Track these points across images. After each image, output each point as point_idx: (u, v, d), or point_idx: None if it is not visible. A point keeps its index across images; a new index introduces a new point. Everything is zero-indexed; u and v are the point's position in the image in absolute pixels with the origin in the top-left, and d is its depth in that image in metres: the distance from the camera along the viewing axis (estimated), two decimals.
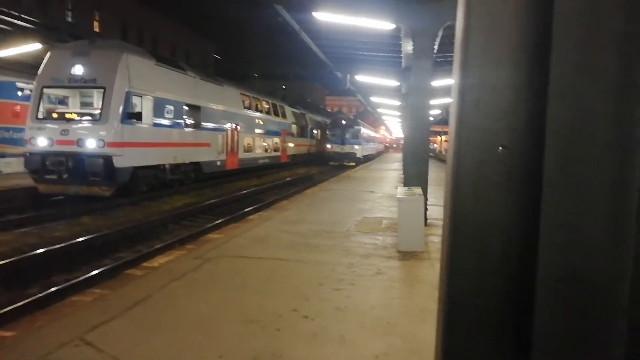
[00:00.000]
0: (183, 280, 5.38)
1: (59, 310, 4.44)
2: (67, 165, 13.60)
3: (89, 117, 14.25)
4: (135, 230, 10.42)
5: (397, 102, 22.67)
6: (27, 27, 15.07)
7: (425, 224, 8.14)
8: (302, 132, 37.09)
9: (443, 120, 43.05)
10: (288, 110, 33.53)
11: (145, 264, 6.20)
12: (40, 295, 6.18)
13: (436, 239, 7.65)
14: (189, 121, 18.17)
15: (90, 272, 7.28)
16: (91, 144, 13.55)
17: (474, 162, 0.98)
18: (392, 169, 29.06)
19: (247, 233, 8.10)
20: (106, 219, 11.85)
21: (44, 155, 13.70)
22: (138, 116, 14.52)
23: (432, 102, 11.77)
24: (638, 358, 0.93)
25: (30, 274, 7.23)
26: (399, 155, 46.06)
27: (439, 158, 47.69)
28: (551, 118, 0.91)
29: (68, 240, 9.06)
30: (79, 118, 14.25)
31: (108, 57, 14.26)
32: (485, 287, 0.98)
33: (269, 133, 28.40)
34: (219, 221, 11.61)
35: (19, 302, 5.88)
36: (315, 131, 41.15)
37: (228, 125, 21.86)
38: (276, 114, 30.35)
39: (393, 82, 16.87)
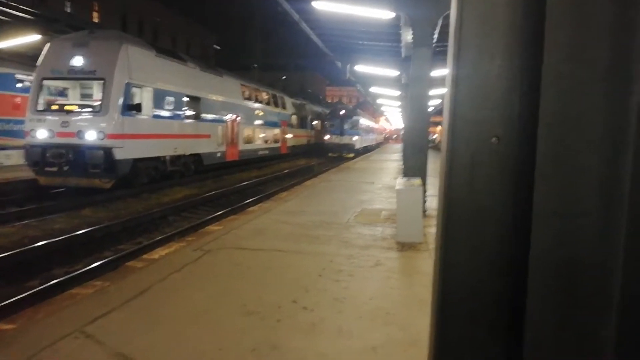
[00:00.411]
0: (183, 272, 5.40)
1: (60, 303, 4.46)
2: (68, 157, 13.61)
3: (89, 109, 14.22)
4: (136, 222, 10.45)
5: (397, 92, 22.59)
6: (26, 18, 14.98)
7: (424, 215, 8.14)
8: (303, 123, 37.00)
9: (442, 111, 42.88)
10: (288, 101, 33.43)
11: (145, 256, 6.21)
12: (40, 287, 6.22)
13: (435, 230, 7.65)
14: (189, 112, 18.13)
15: (91, 264, 7.32)
16: (91, 136, 13.54)
17: (467, 153, 0.98)
18: (392, 159, 29.01)
19: (247, 225, 8.12)
20: (107, 211, 11.87)
21: (44, 148, 13.70)
22: (138, 107, 14.49)
23: (432, 92, 11.71)
24: (630, 348, 0.93)
25: (31, 266, 7.27)
26: (399, 146, 45.91)
27: (439, 148, 47.43)
28: (543, 108, 0.91)
29: (69, 232, 9.09)
30: (79, 110, 14.22)
31: (107, 48, 14.21)
32: (479, 278, 0.99)
33: (269, 124, 28.34)
34: (219, 213, 11.64)
35: (20, 294, 5.91)
36: (315, 122, 41.05)
37: (228, 117, 21.81)
38: (276, 105, 30.27)
39: (393, 72, 16.80)
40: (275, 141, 29.88)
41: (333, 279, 5.21)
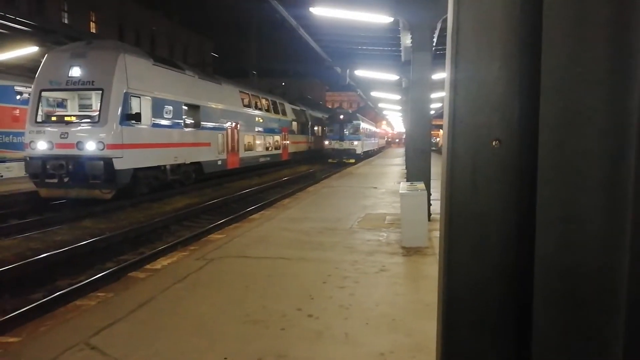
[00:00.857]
0: (186, 281, 5.36)
1: (64, 315, 4.43)
2: (68, 169, 13.59)
3: (87, 120, 14.23)
4: (137, 232, 10.41)
5: (397, 97, 22.62)
6: (23, 30, 15.03)
7: (429, 219, 8.10)
8: (303, 129, 37.02)
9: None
10: (288, 107, 33.48)
11: (148, 266, 6.18)
12: (44, 300, 6.18)
13: (438, 239, 7.62)
14: (188, 121, 18.14)
15: (94, 275, 7.28)
16: (91, 147, 13.53)
17: (468, 157, 0.98)
18: (395, 164, 29.02)
19: (249, 232, 8.08)
20: (108, 221, 11.84)
21: (44, 159, 13.69)
22: (137, 117, 14.49)
23: (433, 95, 11.72)
24: (637, 352, 0.92)
25: (34, 279, 7.23)
26: (401, 150, 45.93)
27: (441, 152, 47.54)
28: (544, 111, 0.91)
29: (70, 244, 9.05)
30: (77, 120, 14.22)
31: (105, 58, 14.23)
32: (483, 281, 0.98)
33: (269, 131, 28.36)
34: (221, 221, 11.60)
35: (24, 307, 5.88)
36: (316, 128, 41.07)
37: (228, 124, 21.82)
38: (276, 112, 30.30)
39: (393, 76, 16.83)
40: (276, 148, 29.89)
41: (338, 286, 5.16)
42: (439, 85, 13.67)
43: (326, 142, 36.41)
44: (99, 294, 5.03)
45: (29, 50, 15.49)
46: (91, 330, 3.97)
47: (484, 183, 0.97)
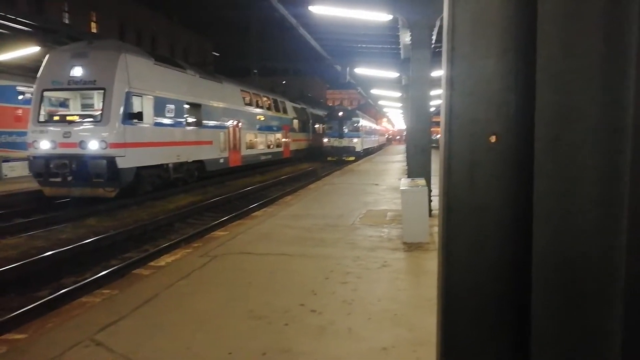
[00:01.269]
0: (190, 278, 5.41)
1: (69, 312, 4.48)
2: (71, 168, 13.65)
3: (90, 119, 14.28)
4: (141, 230, 10.47)
5: (397, 94, 22.60)
6: (24, 30, 15.04)
7: (430, 215, 8.13)
8: (304, 127, 37.00)
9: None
10: (289, 105, 33.48)
11: (152, 264, 6.23)
12: (49, 297, 6.24)
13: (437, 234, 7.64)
14: (190, 120, 18.18)
15: (98, 273, 7.34)
16: (93, 146, 13.59)
17: (465, 152, 0.99)
18: (396, 161, 29.00)
19: (252, 229, 8.13)
20: (112, 219, 11.90)
21: (48, 159, 13.75)
22: (139, 116, 14.54)
23: (433, 92, 11.72)
24: (635, 343, 0.93)
25: (40, 277, 7.29)
26: (402, 147, 45.74)
27: None
28: (540, 104, 0.91)
29: (75, 242, 9.11)
30: (80, 120, 14.27)
31: (106, 57, 14.27)
32: (482, 275, 0.99)
33: (270, 129, 28.38)
34: (224, 218, 11.66)
35: (30, 305, 5.94)
36: (317, 126, 41.03)
37: (229, 123, 21.85)
38: (277, 110, 30.32)
39: (393, 74, 16.82)
40: (278, 146, 29.91)
41: (340, 282, 5.21)
42: (439, 82, 13.65)
43: (325, 140, 35.52)
44: (103, 291, 5.09)
45: (30, 50, 15.51)
46: (97, 326, 4.02)
47: (482, 178, 0.97)
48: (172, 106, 16.60)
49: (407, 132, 18.41)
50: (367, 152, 38.86)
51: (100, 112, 14.01)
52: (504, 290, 0.98)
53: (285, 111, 32.08)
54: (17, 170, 18.14)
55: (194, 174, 18.56)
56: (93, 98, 15.35)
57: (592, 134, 0.90)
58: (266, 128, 27.52)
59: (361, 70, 16.95)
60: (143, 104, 15.00)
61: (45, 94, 14.53)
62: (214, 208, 13.90)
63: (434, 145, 9.76)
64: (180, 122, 17.29)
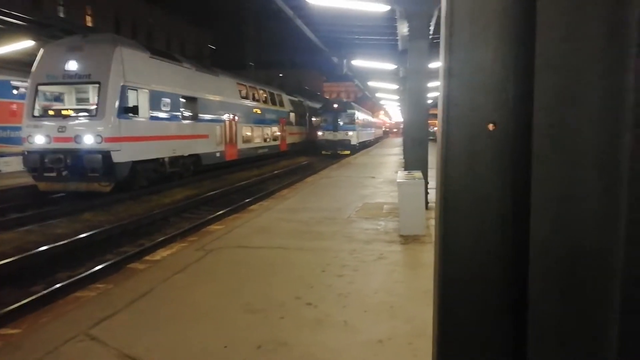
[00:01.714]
0: (185, 272, 5.39)
1: (64, 306, 4.45)
2: (66, 162, 13.58)
3: (85, 113, 14.19)
4: (137, 224, 10.44)
5: (395, 86, 22.56)
6: (19, 25, 14.92)
7: (427, 208, 8.13)
8: (301, 120, 36.90)
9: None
10: (286, 98, 33.38)
11: (147, 258, 6.20)
12: (44, 292, 6.21)
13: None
14: (186, 113, 18.09)
15: (94, 267, 7.31)
16: (89, 140, 13.51)
17: (464, 140, 0.97)
18: (393, 154, 29.00)
19: (248, 223, 8.10)
20: (107, 214, 11.86)
21: (42, 153, 13.67)
22: (134, 110, 14.44)
23: (430, 84, 11.68)
24: (633, 334, 0.92)
25: (35, 271, 7.26)
26: (399, 140, 45.71)
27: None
28: (538, 91, 0.90)
29: (70, 237, 9.07)
30: (75, 114, 14.17)
31: (102, 51, 14.16)
32: (480, 266, 0.98)
33: (267, 122, 28.30)
34: (220, 212, 11.63)
35: (24, 299, 5.91)
36: (314, 119, 40.94)
37: (226, 116, 21.77)
38: (274, 103, 30.22)
39: (390, 66, 16.77)
40: (274, 139, 29.84)
41: (337, 274, 5.19)
42: (436, 74, 13.62)
43: (319, 133, 33.90)
44: (98, 285, 5.06)
45: (25, 44, 15.39)
46: (91, 321, 3.99)
47: (480, 167, 0.96)
48: (167, 100, 16.51)
49: (404, 125, 18.40)
50: (363, 146, 37.91)
51: (95, 106, 13.92)
52: (503, 280, 0.97)
53: (282, 104, 31.98)
54: (12, 165, 18.06)
55: (190, 168, 18.51)
56: (88, 92, 15.24)
57: (591, 119, 0.88)
58: (263, 121, 27.44)
59: (358, 63, 16.89)
60: (138, 98, 14.91)
61: (40, 88, 14.43)
62: (210, 202, 13.87)
63: (430, 137, 9.76)
64: (176, 116, 17.21)
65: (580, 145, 0.88)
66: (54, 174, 13.72)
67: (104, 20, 38.01)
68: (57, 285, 6.42)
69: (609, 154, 0.88)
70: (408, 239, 6.68)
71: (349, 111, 33.98)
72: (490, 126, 0.95)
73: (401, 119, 42.21)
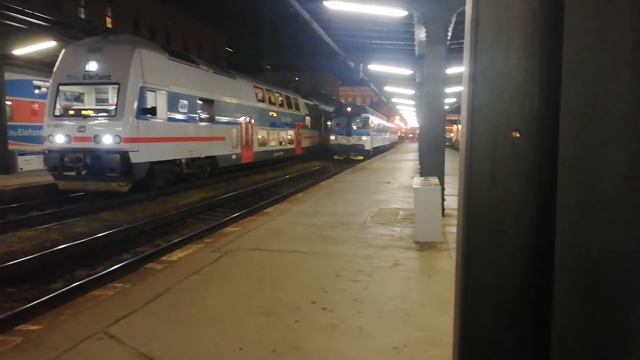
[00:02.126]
0: (201, 273, 5.43)
1: (82, 304, 4.52)
2: (85, 162, 13.79)
3: (104, 113, 14.41)
4: (154, 224, 10.55)
5: (411, 91, 22.48)
6: (41, 25, 15.22)
7: (443, 214, 8.07)
8: (316, 124, 36.93)
9: (459, 109, 42.00)
10: (301, 102, 33.46)
11: (164, 258, 6.27)
12: (63, 290, 6.31)
13: (454, 229, 7.57)
14: (203, 115, 18.26)
15: (111, 266, 7.41)
16: (107, 140, 13.71)
17: (487, 147, 0.97)
18: (408, 159, 28.88)
19: (263, 226, 8.14)
20: (125, 214, 12.01)
21: (62, 152, 13.90)
22: (153, 111, 14.63)
23: (447, 90, 11.63)
24: None
25: (54, 269, 7.38)
26: (415, 145, 45.41)
27: (455, 147, 46.30)
28: (565, 97, 0.89)
29: (89, 235, 9.21)
30: (94, 114, 14.41)
31: (121, 52, 14.37)
32: (502, 271, 0.98)
33: (283, 125, 28.41)
34: (235, 214, 11.70)
35: (44, 296, 6.01)
36: (329, 123, 40.95)
37: (242, 119, 21.91)
38: (290, 106, 30.33)
39: (407, 71, 16.72)
40: (290, 142, 29.93)
41: (352, 280, 5.19)
42: (454, 79, 13.54)
43: (332, 137, 32.88)
44: (116, 284, 5.13)
45: (46, 44, 15.68)
46: (109, 319, 4.05)
47: (503, 173, 0.96)
48: (185, 101, 16.68)
49: (421, 130, 18.31)
50: (378, 151, 36.98)
51: (114, 106, 14.13)
52: (524, 286, 0.97)
53: (297, 108, 32.07)
54: (33, 163, 18.40)
55: (206, 170, 18.65)
56: (108, 93, 15.48)
57: (618, 128, 0.87)
58: (278, 124, 27.55)
59: (375, 67, 16.86)
60: (157, 99, 15.10)
61: (61, 88, 14.69)
62: (225, 204, 13.96)
63: (447, 144, 9.68)
64: (193, 118, 17.37)
65: (606, 154, 0.88)
66: (73, 173, 13.95)
67: (124, 21, 38.58)
68: (76, 284, 6.52)
69: (636, 163, 0.87)
70: (424, 246, 6.65)
71: (363, 115, 33.06)
72: (515, 133, 0.95)
73: (417, 125, 41.94)
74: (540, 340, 0.95)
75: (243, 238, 7.20)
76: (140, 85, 14.21)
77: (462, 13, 8.88)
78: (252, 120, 23.11)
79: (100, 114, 14.41)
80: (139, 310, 4.30)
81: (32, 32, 15.35)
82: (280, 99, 28.77)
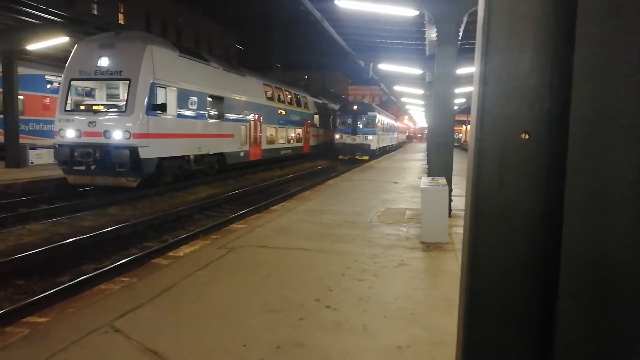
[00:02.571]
0: (208, 269, 5.46)
1: (89, 298, 4.56)
2: (95, 157, 13.91)
3: (114, 109, 14.52)
4: (161, 220, 10.62)
5: (420, 91, 22.39)
6: (54, 21, 15.37)
7: (450, 215, 8.04)
8: (325, 122, 36.91)
9: (468, 109, 41.72)
10: (310, 100, 33.45)
11: (171, 254, 6.30)
12: (71, 283, 6.37)
13: (461, 230, 7.56)
14: (212, 112, 18.32)
15: (118, 261, 7.47)
16: (117, 135, 13.81)
17: (496, 149, 0.98)
18: (416, 159, 28.78)
19: (270, 223, 8.15)
20: (133, 209, 12.10)
21: (73, 147, 14.03)
22: (163, 107, 14.72)
23: (457, 90, 11.57)
24: None
25: (62, 262, 7.45)
26: (423, 146, 45.19)
27: (464, 148, 45.88)
28: (576, 101, 0.90)
29: (97, 230, 9.29)
30: (105, 110, 14.53)
31: (133, 48, 14.46)
32: (509, 273, 0.98)
33: (291, 124, 28.43)
34: (242, 211, 11.74)
35: (52, 289, 6.07)
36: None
37: (251, 116, 21.96)
38: (299, 105, 30.34)
39: (417, 71, 16.65)
40: (298, 141, 29.94)
41: (357, 279, 5.19)
42: (463, 80, 13.47)
43: (336, 136, 31.75)
44: (123, 278, 5.16)
45: (59, 40, 15.82)
46: (116, 313, 4.08)
47: (512, 175, 0.96)
48: (195, 98, 16.75)
49: (429, 130, 18.24)
50: (384, 151, 35.94)
51: (125, 102, 14.22)
52: (530, 288, 0.97)
53: (306, 106, 32.07)
54: (43, 157, 18.58)
55: (215, 167, 18.72)
56: (119, 88, 15.59)
57: (628, 133, 0.87)
58: (287, 122, 27.57)
59: (385, 66, 16.82)
60: (167, 96, 15.18)
61: (73, 83, 14.82)
62: (233, 201, 14.01)
63: (455, 144, 9.64)
64: (203, 115, 17.44)
65: (615, 158, 0.88)
66: (83, 168, 14.08)
67: (135, 18, 38.79)
68: (84, 277, 6.58)
69: None
70: (430, 246, 6.63)
71: (370, 113, 31.96)
72: (524, 135, 0.95)
73: (425, 125, 41.75)
74: (545, 343, 0.95)
75: (250, 235, 7.22)
76: (151, 81, 14.29)
77: (474, 13, 8.82)
78: (261, 118, 23.15)
79: (110, 110, 14.53)
80: (145, 304, 4.33)
81: (45, 27, 15.50)
82: (290, 97, 28.79)
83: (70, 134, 14.15)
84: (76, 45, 15.09)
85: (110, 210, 11.78)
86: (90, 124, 14.03)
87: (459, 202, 8.98)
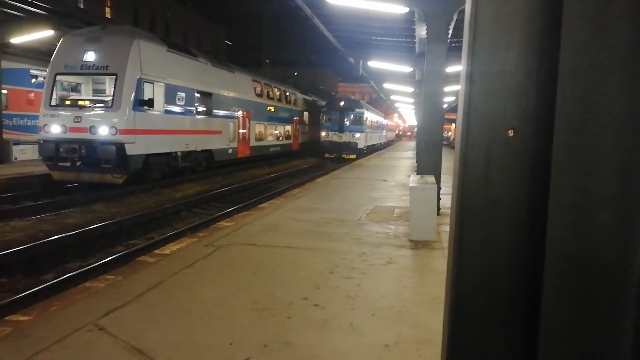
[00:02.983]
0: (194, 267, 5.41)
1: (73, 296, 4.49)
2: (80, 153, 13.72)
3: (101, 104, 14.34)
4: (148, 217, 10.51)
5: (410, 89, 22.44)
6: (40, 14, 15.11)
7: (438, 213, 8.07)
8: (314, 119, 36.84)
9: (457, 108, 41.93)
10: (300, 97, 33.38)
11: (157, 251, 6.24)
12: (54, 281, 6.28)
13: (448, 228, 7.59)
14: (200, 108, 18.19)
15: (104, 258, 7.38)
16: (103, 131, 13.64)
17: (482, 146, 0.97)
18: (405, 157, 28.89)
19: (258, 221, 8.11)
20: (119, 206, 11.96)
21: (58, 143, 13.82)
22: (150, 103, 14.56)
23: (447, 88, 11.62)
24: None
25: (46, 260, 7.34)
26: (413, 144, 45.39)
27: (453, 146, 46.33)
28: (560, 98, 0.90)
29: (82, 227, 9.16)
30: (91, 105, 14.33)
31: (120, 43, 14.28)
32: (494, 270, 0.98)
33: (280, 120, 28.34)
34: (230, 209, 11.67)
35: (35, 287, 5.98)
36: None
37: (239, 113, 21.84)
38: (288, 102, 30.25)
39: (406, 68, 16.67)
40: (287, 138, 29.87)
41: (345, 277, 5.18)
42: (453, 78, 13.53)
43: (322, 134, 30.50)
44: (108, 276, 5.10)
45: (44, 33, 15.58)
46: (100, 311, 4.02)
47: (497, 172, 0.96)
48: (182, 94, 16.61)
49: (419, 128, 18.31)
50: (372, 149, 35.06)
51: (111, 97, 14.05)
52: (515, 285, 0.97)
53: (296, 103, 32.00)
54: (28, 153, 18.29)
55: (202, 164, 18.60)
56: (105, 83, 15.40)
57: (612, 130, 0.87)
58: (276, 119, 27.49)
59: (375, 64, 16.81)
60: (154, 91, 15.02)
61: (58, 77, 14.60)
62: (220, 198, 13.93)
63: (444, 142, 9.69)
64: (191, 111, 17.30)
65: (599, 155, 0.88)
66: (68, 164, 13.88)
67: (123, 12, 38.31)
68: (68, 275, 6.49)
69: (628, 164, 0.87)
70: (418, 244, 6.64)
71: (358, 110, 30.85)
72: (510, 132, 0.95)
73: (415, 123, 41.92)
74: (530, 340, 0.95)
75: (237, 233, 7.17)
76: (138, 76, 14.13)
77: (464, 11, 8.84)
78: (250, 115, 23.05)
79: (96, 105, 14.34)
80: (130, 303, 4.28)
81: (30, 20, 15.25)
82: (279, 93, 28.70)
83: (55, 130, 13.94)
84: (62, 39, 14.86)
85: (96, 207, 11.64)
86: (75, 120, 13.83)
87: (448, 201, 9.01)
